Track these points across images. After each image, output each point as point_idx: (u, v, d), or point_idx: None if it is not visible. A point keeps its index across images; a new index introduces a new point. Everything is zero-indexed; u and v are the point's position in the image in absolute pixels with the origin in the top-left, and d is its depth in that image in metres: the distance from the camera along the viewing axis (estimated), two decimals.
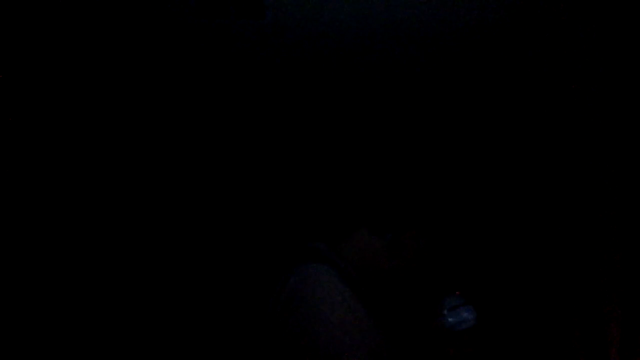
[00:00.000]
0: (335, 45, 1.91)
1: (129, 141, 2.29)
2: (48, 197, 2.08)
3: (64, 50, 1.90)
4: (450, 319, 1.20)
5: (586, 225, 1.71)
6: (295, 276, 0.98)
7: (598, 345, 1.57)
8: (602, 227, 1.62)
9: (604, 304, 1.56)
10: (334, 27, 1.81)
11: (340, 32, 1.84)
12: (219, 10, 1.71)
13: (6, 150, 1.92)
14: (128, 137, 2.28)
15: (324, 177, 2.25)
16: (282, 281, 1.00)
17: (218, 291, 2.19)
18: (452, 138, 2.33)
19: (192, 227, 2.32)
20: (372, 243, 1.11)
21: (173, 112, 2.29)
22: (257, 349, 0.99)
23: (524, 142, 2.13)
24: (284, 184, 2.40)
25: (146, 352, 2.11)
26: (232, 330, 2.04)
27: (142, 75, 2.07)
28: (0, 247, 1.88)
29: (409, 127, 2.36)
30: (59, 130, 2.12)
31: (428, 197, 1.17)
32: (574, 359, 1.70)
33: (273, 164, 2.44)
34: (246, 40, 1.87)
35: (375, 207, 1.13)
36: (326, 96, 2.23)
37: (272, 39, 1.86)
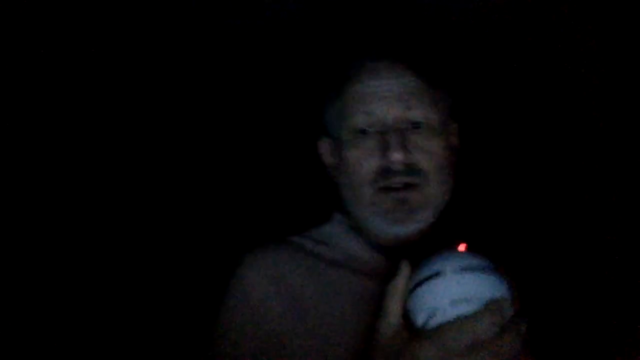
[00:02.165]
0: (335, 45, 1.91)
1: (128, 141, 2.29)
2: (48, 197, 2.08)
3: (64, 50, 1.90)
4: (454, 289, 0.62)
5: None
6: (238, 266, 0.90)
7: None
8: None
9: None
10: (334, 27, 1.81)
11: (341, 32, 1.83)
12: (219, 10, 1.71)
13: (6, 150, 1.92)
14: (127, 137, 2.28)
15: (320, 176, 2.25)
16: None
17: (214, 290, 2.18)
18: None
19: (194, 227, 2.32)
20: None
21: (172, 111, 2.28)
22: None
23: None
24: (281, 183, 2.40)
25: (146, 352, 2.11)
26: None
27: (141, 75, 2.07)
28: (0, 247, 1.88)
29: None
30: (59, 130, 2.12)
31: None
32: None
33: (273, 164, 2.44)
34: (246, 40, 1.87)
35: None
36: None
37: (272, 39, 1.86)
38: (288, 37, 1.89)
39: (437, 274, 0.64)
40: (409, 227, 0.85)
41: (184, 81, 2.16)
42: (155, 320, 2.16)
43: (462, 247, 0.68)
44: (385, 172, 0.84)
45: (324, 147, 0.97)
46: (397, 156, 0.83)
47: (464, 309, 0.62)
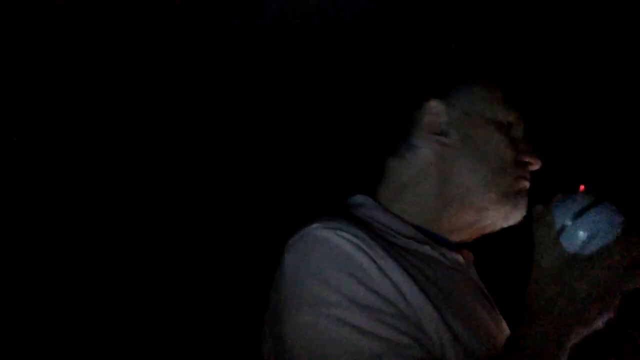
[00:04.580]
0: (336, 45, 1.91)
1: (128, 141, 2.29)
2: (47, 197, 2.08)
3: (65, 50, 1.89)
4: (581, 232, 0.69)
5: None
6: (289, 252, 0.79)
7: None
8: None
9: None
10: (335, 27, 1.81)
11: (341, 31, 1.83)
12: (219, 10, 1.71)
13: (6, 150, 1.92)
14: (128, 137, 2.28)
15: (324, 174, 2.24)
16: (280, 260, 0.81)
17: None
18: None
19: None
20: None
21: (172, 111, 2.28)
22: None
23: None
24: (281, 183, 2.40)
25: (146, 352, 2.11)
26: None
27: (141, 75, 2.07)
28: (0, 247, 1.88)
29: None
30: (59, 130, 2.12)
31: None
32: None
33: (274, 164, 2.43)
34: (245, 40, 1.87)
35: None
36: (326, 96, 2.22)
37: (272, 39, 1.86)
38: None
39: (596, 202, 0.73)
40: (522, 215, 0.92)
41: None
42: (157, 320, 2.16)
43: (581, 188, 0.77)
44: (523, 164, 0.93)
45: (436, 111, 0.95)
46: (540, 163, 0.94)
47: (616, 233, 0.70)
